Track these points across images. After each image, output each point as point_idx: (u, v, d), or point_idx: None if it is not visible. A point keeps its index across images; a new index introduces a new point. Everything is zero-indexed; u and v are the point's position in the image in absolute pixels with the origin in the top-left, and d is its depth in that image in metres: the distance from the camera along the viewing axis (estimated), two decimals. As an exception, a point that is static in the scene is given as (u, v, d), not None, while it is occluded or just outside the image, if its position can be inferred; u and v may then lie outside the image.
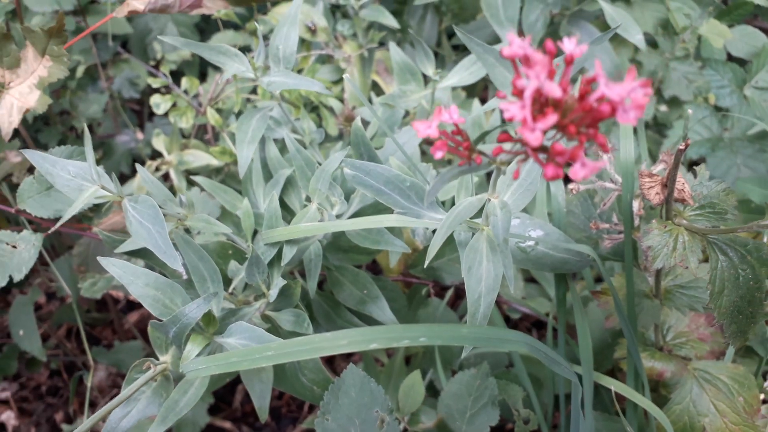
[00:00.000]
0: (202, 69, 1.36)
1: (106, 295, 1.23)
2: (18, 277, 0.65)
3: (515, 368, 0.66)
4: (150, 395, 0.54)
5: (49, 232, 0.57)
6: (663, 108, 1.12)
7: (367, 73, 0.97)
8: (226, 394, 1.21)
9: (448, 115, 0.29)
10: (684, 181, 0.40)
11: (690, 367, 0.63)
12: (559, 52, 0.27)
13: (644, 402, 0.59)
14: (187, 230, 0.58)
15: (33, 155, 0.50)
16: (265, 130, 0.71)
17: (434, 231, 0.53)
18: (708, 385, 0.62)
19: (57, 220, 0.68)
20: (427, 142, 0.82)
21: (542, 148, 0.26)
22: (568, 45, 0.26)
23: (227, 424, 1.16)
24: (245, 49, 1.28)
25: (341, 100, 1.00)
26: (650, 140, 1.14)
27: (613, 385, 0.57)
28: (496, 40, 0.96)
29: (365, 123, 0.89)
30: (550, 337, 0.67)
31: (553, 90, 0.24)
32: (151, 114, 1.46)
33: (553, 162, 0.25)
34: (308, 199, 0.70)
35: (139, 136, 1.34)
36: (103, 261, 0.47)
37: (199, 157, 0.86)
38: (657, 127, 1.21)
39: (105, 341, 1.30)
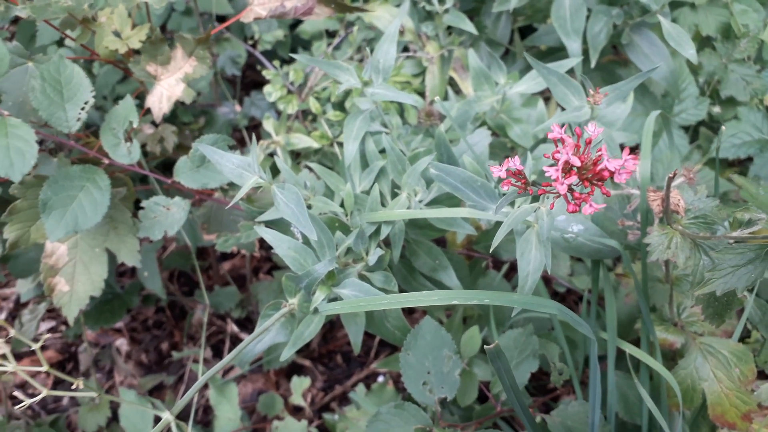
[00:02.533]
0: (293, 48, 1.57)
1: (210, 248, 1.48)
2: (171, 233, 0.89)
3: (555, 331, 0.85)
4: (279, 327, 0.76)
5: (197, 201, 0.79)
6: (717, 109, 1.25)
7: (445, 70, 1.15)
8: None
9: (513, 163, 0.48)
10: (680, 197, 0.57)
11: (697, 340, 0.80)
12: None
13: (655, 364, 0.78)
14: (308, 207, 0.79)
15: (206, 149, 0.71)
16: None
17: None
18: (710, 356, 0.80)
19: (202, 191, 0.90)
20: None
21: (569, 189, 0.44)
22: (589, 130, 0.44)
23: (306, 362, 1.41)
24: (332, 34, 1.47)
25: (421, 93, 1.18)
26: (703, 137, 1.28)
27: (629, 348, 0.76)
28: (562, 45, 1.11)
29: (441, 116, 1.07)
30: (585, 308, 0.86)
31: (575, 161, 0.42)
32: (244, 88, 1.68)
33: (573, 202, 0.43)
34: (396, 186, 0.90)
35: (237, 108, 1.57)
36: (260, 230, 0.69)
37: (302, 139, 1.07)
38: (712, 124, 1.34)
39: (203, 284, 1.56)
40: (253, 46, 1.55)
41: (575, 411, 0.77)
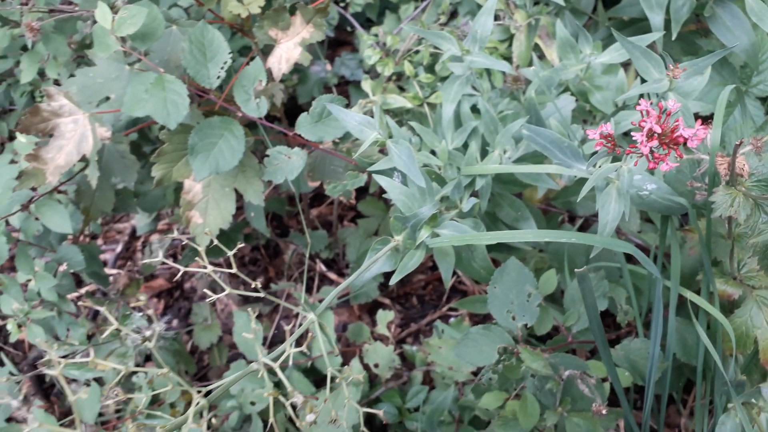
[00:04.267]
0: (381, 11, 1.68)
1: (302, 195, 1.66)
2: (290, 178, 1.05)
3: (623, 279, 0.97)
4: (385, 259, 0.92)
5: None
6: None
7: (531, 38, 1.25)
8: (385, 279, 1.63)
9: (605, 128, 0.60)
10: (745, 163, 0.67)
11: (754, 293, 0.91)
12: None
13: (713, 311, 0.89)
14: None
15: (333, 108, 0.86)
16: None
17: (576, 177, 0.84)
18: (765, 307, 0.90)
19: (319, 142, 1.06)
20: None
21: (650, 151, 0.56)
22: (669, 105, 0.55)
23: (386, 301, 1.57)
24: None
25: (507, 58, 1.29)
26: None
27: (689, 295, 0.87)
28: (644, 16, 1.19)
29: (527, 81, 1.18)
30: (651, 260, 0.97)
31: (657, 129, 0.54)
32: (329, 47, 1.81)
33: (654, 161, 0.55)
34: (485, 144, 1.02)
35: (328, 67, 1.71)
36: (377, 177, 0.83)
37: (397, 99, 1.20)
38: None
39: (292, 228, 1.74)
40: (345, 8, 1.67)
41: (637, 347, 0.90)
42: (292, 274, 1.66)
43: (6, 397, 1.09)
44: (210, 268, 0.64)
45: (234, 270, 0.64)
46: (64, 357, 1.05)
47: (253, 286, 0.65)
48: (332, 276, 1.64)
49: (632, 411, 1.05)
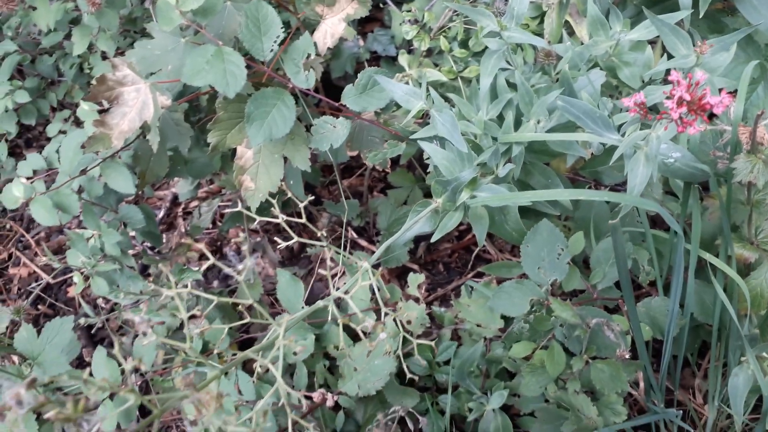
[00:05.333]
0: (415, -12, 1.73)
1: (329, 164, 1.73)
2: (335, 145, 1.13)
3: (646, 242, 1.04)
4: (425, 220, 0.99)
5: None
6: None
7: (562, 15, 1.31)
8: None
9: (638, 96, 0.67)
10: (765, 132, 0.74)
11: (769, 256, 0.98)
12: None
13: (730, 272, 0.96)
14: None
15: (381, 78, 0.93)
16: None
17: (604, 145, 0.91)
18: (779, 269, 0.97)
19: (362, 113, 1.13)
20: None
21: (679, 118, 0.63)
22: (697, 76, 0.62)
23: (415, 266, 1.66)
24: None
25: (538, 34, 1.34)
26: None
27: (708, 257, 0.94)
28: (674, -5, 1.24)
29: (558, 57, 1.24)
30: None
31: (686, 96, 0.60)
32: (360, 23, 1.87)
33: (682, 125, 0.62)
34: (519, 114, 1.09)
35: (360, 43, 1.78)
36: (422, 143, 0.91)
37: (432, 73, 1.27)
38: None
39: (324, 198, 1.83)
40: (380, -14, 1.73)
41: (658, 305, 0.97)
42: (325, 240, 1.74)
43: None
44: (281, 218, 0.72)
45: (289, 220, 0.72)
46: (131, 305, 1.14)
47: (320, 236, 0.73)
48: (363, 243, 1.72)
49: (651, 368, 1.13)
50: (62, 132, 1.80)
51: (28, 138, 2.07)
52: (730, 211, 0.91)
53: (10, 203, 1.02)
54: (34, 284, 1.71)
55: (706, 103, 0.61)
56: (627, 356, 0.86)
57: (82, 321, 1.02)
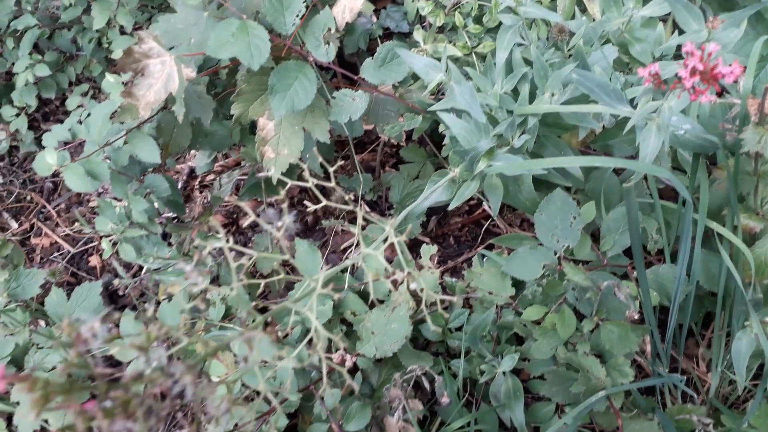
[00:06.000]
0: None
1: (343, 138, 1.77)
2: (354, 118, 1.16)
3: (655, 212, 1.08)
4: (442, 189, 1.03)
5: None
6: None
7: (575, -8, 1.33)
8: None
9: (653, 67, 0.70)
10: (772, 105, 0.77)
11: (774, 226, 1.01)
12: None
13: (736, 240, 1.00)
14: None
15: (402, 51, 0.96)
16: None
17: (616, 118, 0.95)
18: (783, 239, 1.01)
19: (379, 86, 1.16)
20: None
21: (692, 87, 0.66)
22: (710, 47, 0.65)
23: (426, 239, 1.70)
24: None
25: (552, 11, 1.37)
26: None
27: (715, 226, 0.98)
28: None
29: (570, 33, 1.26)
30: (681, 200, 1.08)
31: (699, 67, 0.64)
32: (372, 1, 1.89)
33: (695, 94, 0.65)
34: (533, 87, 1.12)
35: (374, 19, 1.80)
36: (441, 114, 0.94)
37: (448, 49, 1.30)
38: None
39: (337, 173, 1.87)
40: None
41: (665, 271, 1.02)
42: (339, 214, 1.79)
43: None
44: (311, 182, 0.76)
45: (320, 183, 0.76)
46: (155, 270, 1.19)
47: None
48: (375, 216, 1.76)
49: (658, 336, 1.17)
50: (80, 106, 1.83)
51: (45, 112, 2.11)
52: (737, 182, 0.95)
53: (44, 170, 1.06)
54: (56, 254, 1.76)
55: (718, 72, 0.65)
56: (636, 317, 0.90)
57: (116, 282, 1.07)
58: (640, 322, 1.07)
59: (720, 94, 1.10)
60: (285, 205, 0.69)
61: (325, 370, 0.83)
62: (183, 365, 0.46)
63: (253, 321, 1.38)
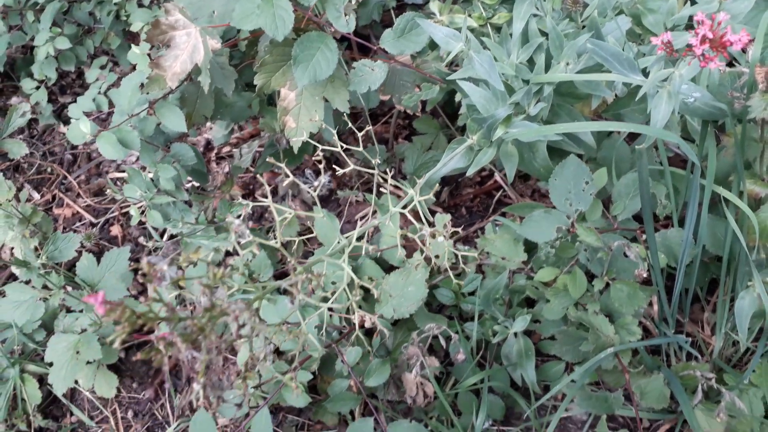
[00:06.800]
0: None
1: (357, 111, 1.81)
2: (373, 88, 1.21)
3: (664, 179, 1.13)
4: (460, 156, 1.08)
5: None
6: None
7: (589, -36, 1.36)
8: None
9: (665, 36, 0.74)
10: (780, 73, 0.82)
11: (779, 192, 1.06)
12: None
13: (741, 204, 1.05)
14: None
15: (422, 21, 1.00)
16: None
17: (628, 87, 0.99)
18: (787, 203, 1.06)
19: (397, 56, 1.20)
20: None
21: (702, 54, 0.71)
22: (720, 16, 0.69)
23: (439, 209, 1.76)
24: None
25: (565, -17, 1.40)
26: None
27: (721, 191, 1.03)
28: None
29: (584, 4, 1.30)
30: (689, 165, 1.13)
31: (709, 35, 0.68)
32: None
33: (705, 60, 0.70)
34: (549, 57, 1.17)
35: (388, -9, 1.83)
36: (461, 83, 0.99)
37: (463, 19, 1.34)
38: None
39: (351, 145, 1.91)
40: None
41: (673, 235, 1.07)
42: (354, 185, 1.84)
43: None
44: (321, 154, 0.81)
45: (348, 148, 0.82)
46: (176, 237, 1.25)
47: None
48: (389, 188, 1.82)
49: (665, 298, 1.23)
50: (99, 78, 1.88)
51: (62, 85, 2.15)
52: (744, 149, 0.99)
53: (78, 139, 1.11)
54: (78, 223, 1.82)
55: (727, 40, 0.69)
56: (644, 275, 0.96)
57: (150, 244, 1.13)
58: (648, 283, 1.13)
59: (730, 64, 1.14)
60: (322, 165, 0.75)
61: (357, 321, 0.89)
62: (242, 303, 0.52)
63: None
